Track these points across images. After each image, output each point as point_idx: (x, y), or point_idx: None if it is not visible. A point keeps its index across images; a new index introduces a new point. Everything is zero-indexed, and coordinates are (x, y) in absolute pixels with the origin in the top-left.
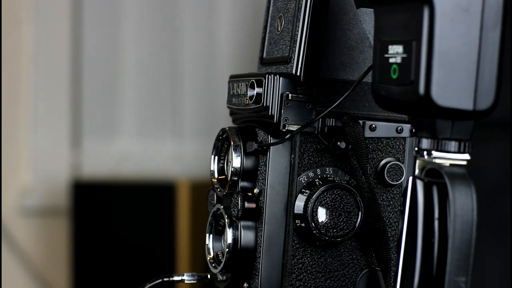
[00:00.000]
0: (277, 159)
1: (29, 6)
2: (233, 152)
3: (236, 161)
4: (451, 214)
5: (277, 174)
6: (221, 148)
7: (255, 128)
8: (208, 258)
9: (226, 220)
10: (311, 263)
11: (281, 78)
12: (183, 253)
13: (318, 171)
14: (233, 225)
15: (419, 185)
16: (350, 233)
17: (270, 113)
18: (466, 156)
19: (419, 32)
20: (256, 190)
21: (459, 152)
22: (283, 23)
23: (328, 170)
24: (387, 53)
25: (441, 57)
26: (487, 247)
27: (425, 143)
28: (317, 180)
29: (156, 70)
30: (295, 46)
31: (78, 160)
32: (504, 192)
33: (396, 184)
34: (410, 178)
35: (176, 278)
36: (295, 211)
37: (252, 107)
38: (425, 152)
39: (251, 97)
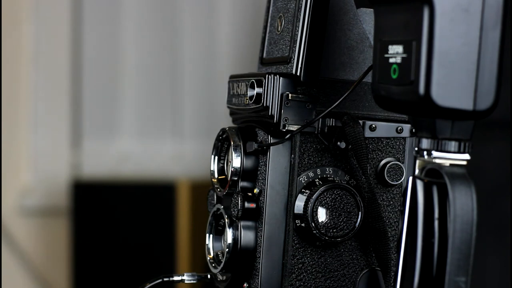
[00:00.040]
0: (277, 159)
1: (29, 6)
2: (233, 152)
3: (236, 161)
4: (451, 214)
5: (277, 174)
6: (221, 148)
7: (255, 128)
8: (208, 258)
9: (226, 220)
10: (311, 263)
11: (281, 78)
12: (183, 253)
13: (318, 171)
14: (233, 225)
15: (419, 185)
16: (350, 233)
17: (270, 113)
18: (466, 156)
19: (419, 32)
20: (256, 190)
21: (459, 152)
22: (283, 23)
23: (328, 170)
24: (387, 53)
25: (441, 57)
26: (487, 247)
27: (425, 143)
28: (317, 180)
29: (156, 70)
30: (295, 46)
31: (78, 160)
32: (504, 192)
33: (396, 184)
34: (410, 178)
35: (176, 278)
36: (295, 211)
37: (252, 107)
38: (425, 152)
39: (251, 97)
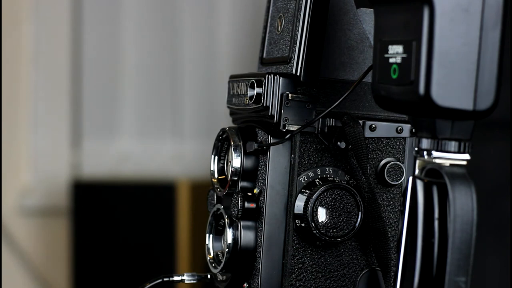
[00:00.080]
0: (277, 159)
1: (29, 6)
2: (233, 152)
3: (236, 161)
4: (451, 214)
5: (277, 174)
6: (221, 148)
7: (255, 128)
8: (208, 258)
9: (226, 220)
10: (311, 263)
11: (281, 78)
12: (183, 253)
13: (318, 171)
14: (233, 225)
15: (419, 185)
16: (350, 233)
17: (270, 113)
18: (466, 156)
19: (419, 32)
20: (256, 190)
21: (459, 152)
22: (283, 23)
23: (328, 170)
24: (387, 53)
25: (441, 57)
26: (487, 247)
27: (425, 143)
28: (317, 180)
29: (156, 70)
30: (295, 46)
31: (78, 160)
32: (504, 192)
33: (396, 184)
34: (410, 178)
35: (176, 278)
36: (295, 211)
37: (252, 107)
38: (425, 152)
39: (251, 97)
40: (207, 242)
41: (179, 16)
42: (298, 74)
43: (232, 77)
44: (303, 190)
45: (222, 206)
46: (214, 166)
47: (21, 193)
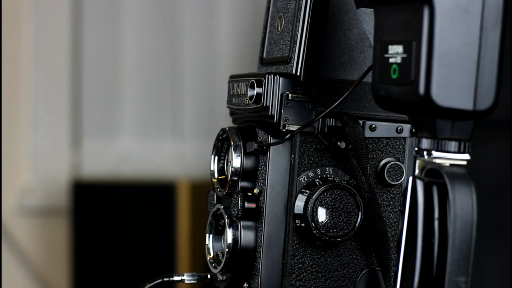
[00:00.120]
0: (277, 159)
1: (29, 6)
2: (233, 152)
3: (236, 161)
4: (451, 214)
5: (277, 174)
6: (221, 148)
7: (255, 128)
8: (208, 258)
9: (226, 220)
10: (311, 263)
11: (281, 78)
12: (183, 253)
13: (318, 171)
14: (233, 225)
15: (419, 185)
16: (350, 233)
17: (270, 113)
18: (466, 156)
19: (419, 32)
20: (256, 190)
21: (459, 152)
22: (283, 23)
23: (328, 170)
24: (387, 53)
25: (441, 57)
26: (487, 247)
27: (425, 143)
28: (317, 180)
29: (156, 70)
30: (295, 46)
31: (78, 160)
32: (504, 192)
33: (396, 184)
34: (410, 178)
35: (176, 278)
36: (295, 211)
37: (252, 107)
38: (425, 152)
39: (251, 97)
40: (207, 242)
41: (179, 16)
42: (298, 74)
43: (232, 77)
44: (303, 190)
45: (222, 206)
46: (214, 166)
47: (21, 193)
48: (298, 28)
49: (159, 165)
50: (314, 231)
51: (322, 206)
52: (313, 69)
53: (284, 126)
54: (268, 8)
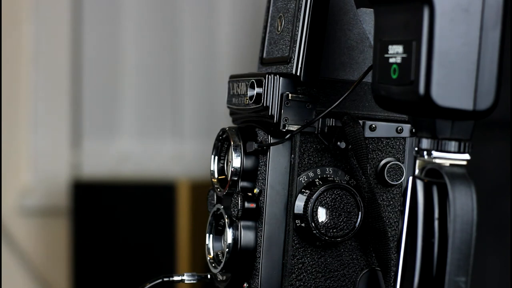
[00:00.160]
0: (277, 159)
1: (29, 6)
2: (233, 152)
3: (236, 161)
4: (451, 214)
5: (277, 174)
6: (221, 148)
7: (255, 128)
8: (208, 258)
9: (226, 220)
10: (311, 263)
11: (281, 78)
12: (183, 253)
13: (318, 171)
14: (233, 225)
15: (419, 185)
16: (350, 233)
17: (270, 113)
18: (466, 156)
19: (419, 32)
20: (256, 190)
21: (459, 152)
22: (283, 23)
23: (328, 170)
24: (387, 53)
25: (441, 57)
26: (487, 247)
27: (425, 143)
28: (317, 180)
29: (156, 70)
30: (295, 46)
31: (78, 160)
32: (504, 192)
33: (396, 184)
34: (410, 178)
35: (176, 278)
36: (295, 211)
37: (252, 107)
38: (425, 152)
39: (251, 97)
40: (207, 242)
41: (179, 16)
42: (298, 74)
43: (232, 77)
44: (303, 190)
45: (222, 206)
46: (214, 166)
47: (21, 193)
48: (298, 28)
49: (159, 165)
50: (314, 231)
51: (322, 206)
52: (313, 69)
53: (284, 126)
54: (268, 8)
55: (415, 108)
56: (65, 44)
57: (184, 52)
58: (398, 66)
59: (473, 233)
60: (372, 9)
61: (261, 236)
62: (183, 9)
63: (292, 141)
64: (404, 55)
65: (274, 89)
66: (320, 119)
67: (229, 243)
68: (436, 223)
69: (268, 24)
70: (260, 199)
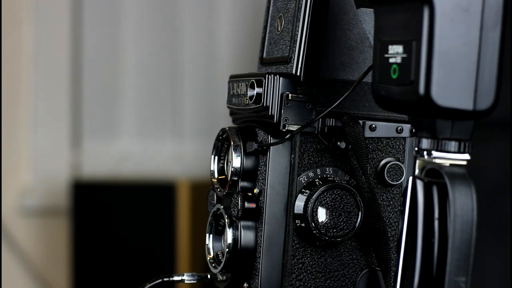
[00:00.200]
0: (277, 159)
1: (29, 6)
2: (233, 152)
3: (236, 161)
4: (451, 214)
5: (277, 174)
6: (221, 148)
7: (255, 128)
8: (208, 258)
9: (226, 220)
10: (311, 263)
11: (281, 78)
12: (183, 253)
13: (318, 171)
14: (233, 225)
15: (419, 185)
16: (350, 233)
17: (270, 113)
18: (466, 156)
19: (419, 32)
20: (256, 190)
21: (459, 152)
22: (283, 23)
23: (328, 170)
24: (387, 53)
25: (441, 57)
26: (487, 247)
27: (425, 143)
28: (317, 180)
29: (156, 70)
30: (295, 46)
31: (78, 160)
32: (504, 192)
33: (396, 184)
34: (410, 178)
35: (176, 278)
36: (295, 211)
37: (252, 107)
38: (425, 152)
39: (251, 97)
40: (207, 242)
41: (179, 16)
42: (298, 74)
43: (232, 77)
44: (303, 190)
45: (222, 206)
46: (214, 166)
47: (21, 193)
48: (298, 28)
49: (159, 165)
50: (314, 231)
51: (322, 206)
52: (313, 69)
53: (284, 126)
54: (268, 8)
55: (415, 108)
56: (65, 44)
57: (184, 52)
58: (398, 66)
59: (473, 233)
60: (372, 9)
61: (261, 236)
62: (183, 9)
63: (292, 141)
64: (404, 55)
65: (274, 89)
66: (320, 119)
67: (229, 243)
68: (436, 223)
69: (268, 24)
70: (260, 199)
